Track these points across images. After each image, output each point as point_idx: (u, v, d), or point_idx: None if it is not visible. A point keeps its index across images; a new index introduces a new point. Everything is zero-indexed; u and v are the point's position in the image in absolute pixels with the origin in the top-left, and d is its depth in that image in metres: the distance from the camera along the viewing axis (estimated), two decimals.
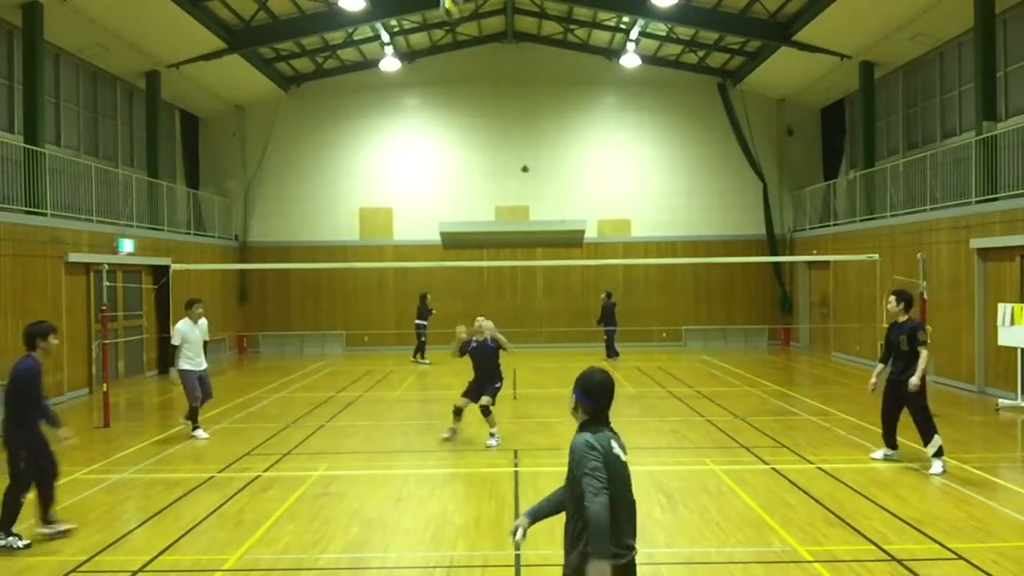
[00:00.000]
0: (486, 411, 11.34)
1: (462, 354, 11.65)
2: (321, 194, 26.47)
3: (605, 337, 22.45)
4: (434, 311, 22.55)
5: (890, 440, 10.01)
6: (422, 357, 22.11)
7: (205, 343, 12.32)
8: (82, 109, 20.01)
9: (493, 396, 11.50)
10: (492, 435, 11.47)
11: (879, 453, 10.13)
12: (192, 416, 12.17)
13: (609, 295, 22.82)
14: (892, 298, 9.74)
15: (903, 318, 9.70)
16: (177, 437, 12.27)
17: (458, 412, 11.57)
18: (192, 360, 12.02)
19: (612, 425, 4.15)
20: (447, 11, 16.60)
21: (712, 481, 9.16)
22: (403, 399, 16.20)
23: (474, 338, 11.69)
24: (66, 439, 7.38)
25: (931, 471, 9.39)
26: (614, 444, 4.06)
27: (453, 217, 26.08)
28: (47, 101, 17.63)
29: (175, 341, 12.03)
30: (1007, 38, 17.18)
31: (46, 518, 7.43)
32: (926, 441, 9.56)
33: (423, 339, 22.17)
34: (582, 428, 4.08)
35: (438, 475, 9.85)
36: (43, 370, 7.42)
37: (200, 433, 12.11)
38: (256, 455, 10.91)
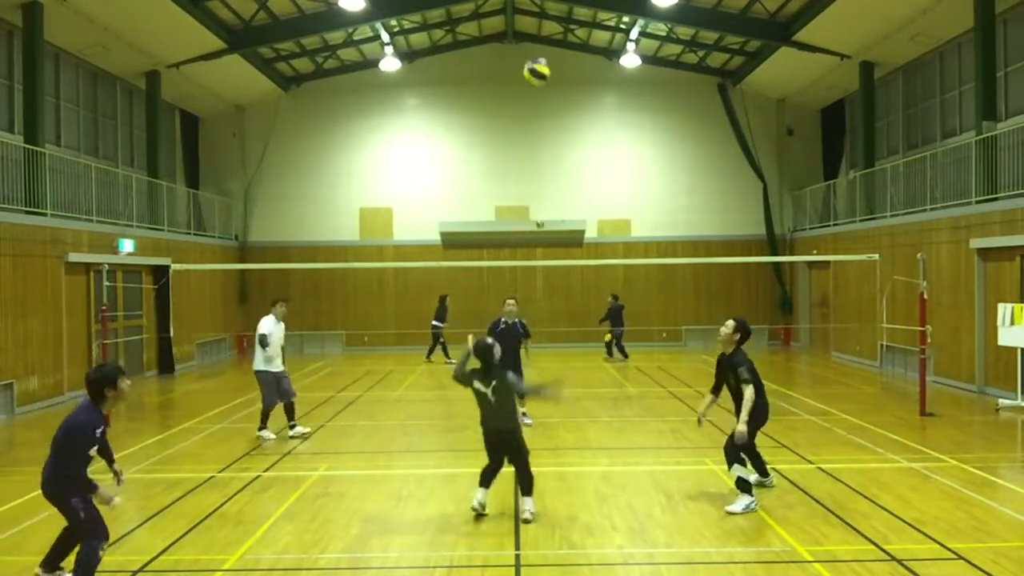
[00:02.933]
0: (520, 394, 11.64)
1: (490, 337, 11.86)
2: (321, 194, 26.47)
3: (611, 339, 22.38)
4: (448, 308, 22.37)
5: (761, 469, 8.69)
6: (447, 356, 21.85)
7: (283, 347, 11.97)
8: (82, 109, 20.01)
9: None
10: (524, 414, 11.66)
11: (736, 506, 7.96)
12: (264, 419, 11.87)
13: (616, 297, 22.79)
14: (730, 323, 8.26)
15: (731, 348, 8.20)
16: (177, 437, 12.27)
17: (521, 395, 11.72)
18: (272, 361, 11.66)
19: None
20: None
21: (712, 481, 9.15)
22: (403, 399, 16.20)
23: (502, 319, 11.88)
24: (111, 502, 6.11)
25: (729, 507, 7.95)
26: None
27: (453, 217, 26.08)
28: (47, 101, 17.62)
29: (263, 330, 11.49)
30: (1007, 38, 17.17)
31: (54, 565, 6.30)
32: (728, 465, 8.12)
33: (442, 339, 22.03)
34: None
35: (438, 475, 9.85)
36: (106, 421, 6.38)
37: (266, 434, 11.82)
38: (256, 455, 10.91)
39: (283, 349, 11.95)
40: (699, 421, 8.69)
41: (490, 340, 8.09)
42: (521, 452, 7.94)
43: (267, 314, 11.86)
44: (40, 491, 6.00)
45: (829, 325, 22.98)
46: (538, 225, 25.63)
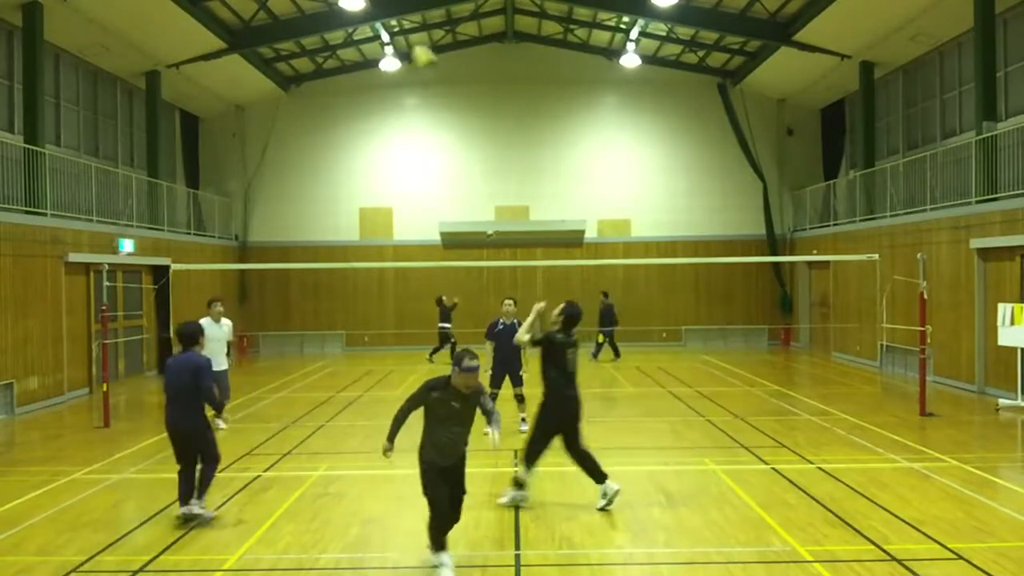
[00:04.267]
0: (520, 399, 11.91)
1: (488, 338, 12.10)
2: (321, 194, 26.47)
3: (603, 339, 22.34)
4: (457, 302, 22.35)
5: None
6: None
7: (230, 344, 12.33)
8: (82, 109, 20.01)
9: (521, 383, 11.90)
10: (523, 420, 11.72)
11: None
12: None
13: (606, 295, 22.74)
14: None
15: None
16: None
17: (493, 399, 11.66)
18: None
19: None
20: (419, 60, 15.05)
21: (712, 481, 9.15)
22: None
23: (501, 320, 12.02)
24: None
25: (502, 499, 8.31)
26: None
27: (453, 217, 26.08)
28: (47, 101, 17.63)
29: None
30: (1007, 38, 17.17)
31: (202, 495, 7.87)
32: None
33: (453, 340, 22.01)
34: None
35: None
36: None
37: (220, 423, 12.01)
38: (256, 455, 10.91)
39: (230, 345, 12.40)
40: None
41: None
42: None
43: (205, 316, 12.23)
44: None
45: (829, 325, 22.99)
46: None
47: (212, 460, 7.92)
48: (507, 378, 11.99)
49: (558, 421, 8.23)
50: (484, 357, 11.54)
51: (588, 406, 14.73)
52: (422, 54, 14.19)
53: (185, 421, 7.80)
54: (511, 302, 12.27)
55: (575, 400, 8.33)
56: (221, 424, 12.30)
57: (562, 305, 8.45)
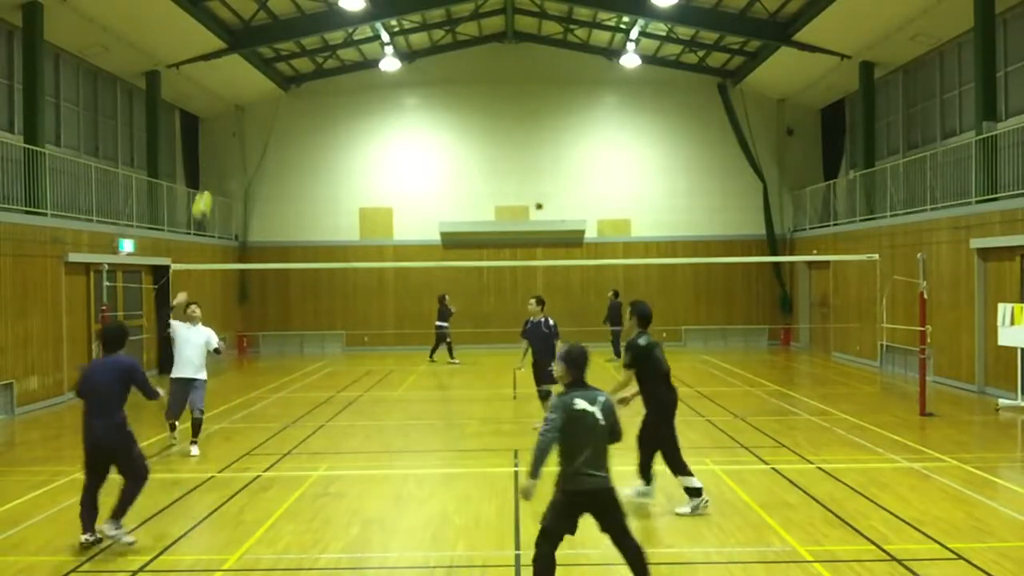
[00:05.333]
0: (544, 396, 11.97)
1: (523, 336, 12.42)
2: (321, 194, 26.47)
3: (611, 337, 22.40)
4: (455, 311, 22.44)
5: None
6: (451, 356, 22.01)
7: (218, 351, 11.15)
8: (82, 109, 20.01)
9: (550, 379, 11.72)
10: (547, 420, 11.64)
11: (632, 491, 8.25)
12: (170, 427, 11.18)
13: (616, 294, 22.77)
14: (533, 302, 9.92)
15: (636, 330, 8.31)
16: (177, 437, 12.24)
17: (546, 396, 11.93)
18: (180, 367, 10.90)
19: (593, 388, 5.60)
20: (201, 213, 16.43)
21: (712, 481, 9.15)
22: (403, 399, 16.19)
23: (529, 319, 12.34)
24: None
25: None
26: (578, 400, 5.47)
27: (453, 217, 26.08)
28: (47, 101, 17.62)
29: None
30: (1007, 38, 17.17)
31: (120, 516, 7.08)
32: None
33: (449, 339, 22.08)
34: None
35: (438, 475, 9.85)
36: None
37: (173, 435, 11.20)
38: (256, 455, 10.91)
39: (211, 353, 11.05)
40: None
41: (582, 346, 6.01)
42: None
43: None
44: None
45: (829, 325, 22.98)
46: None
47: (139, 478, 7.07)
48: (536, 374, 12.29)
49: (671, 418, 8.24)
50: (496, 359, 11.62)
51: None
52: (199, 202, 15.62)
53: (110, 438, 6.97)
54: (533, 301, 12.53)
55: (675, 394, 8.42)
56: (194, 451, 10.87)
57: (629, 307, 8.55)
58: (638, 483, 8.28)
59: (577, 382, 5.57)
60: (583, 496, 5.45)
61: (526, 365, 12.56)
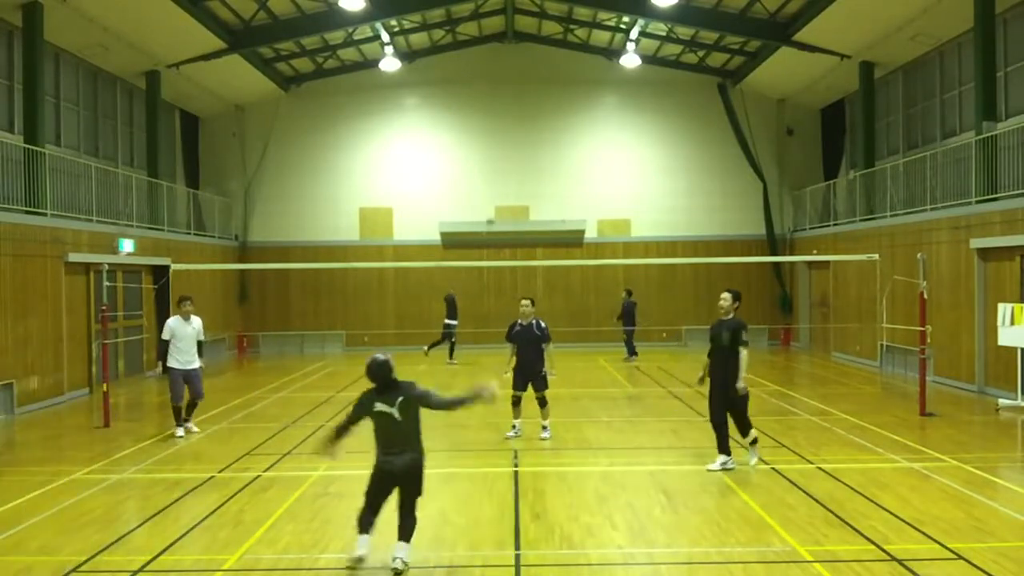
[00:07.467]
0: (542, 402, 11.57)
1: (507, 340, 11.72)
2: (321, 194, 26.47)
3: (625, 336, 22.40)
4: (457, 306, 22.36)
5: (726, 446, 9.69)
6: (451, 357, 21.91)
7: (200, 343, 12.24)
8: (82, 109, 20.01)
9: (544, 386, 11.52)
10: (544, 428, 11.61)
11: (717, 463, 9.62)
12: (175, 415, 12.21)
13: (629, 293, 22.73)
14: (726, 295, 10.01)
15: (731, 315, 9.89)
16: (183, 435, 12.26)
17: (516, 402, 11.59)
18: (178, 359, 12.00)
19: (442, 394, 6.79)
20: None
21: (712, 481, 9.15)
22: None
23: (519, 321, 11.66)
24: None
25: (750, 462, 9.72)
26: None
27: (453, 217, 26.09)
28: (47, 101, 17.62)
29: (164, 336, 12.11)
30: (1007, 38, 17.17)
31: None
32: (744, 432, 9.75)
33: (453, 340, 22.01)
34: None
35: (438, 475, 9.82)
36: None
37: (179, 432, 12.14)
38: (256, 455, 10.90)
39: (200, 345, 12.20)
40: (700, 381, 10.00)
41: (382, 356, 6.66)
42: (420, 487, 6.66)
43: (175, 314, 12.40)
44: None
45: (829, 325, 22.98)
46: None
47: None
48: (530, 383, 11.50)
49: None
50: (495, 359, 11.55)
51: (588, 406, 14.83)
52: None
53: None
54: (528, 302, 11.71)
55: None
56: (194, 428, 12.37)
57: (727, 296, 10.06)
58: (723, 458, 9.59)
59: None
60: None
61: (511, 370, 11.69)
